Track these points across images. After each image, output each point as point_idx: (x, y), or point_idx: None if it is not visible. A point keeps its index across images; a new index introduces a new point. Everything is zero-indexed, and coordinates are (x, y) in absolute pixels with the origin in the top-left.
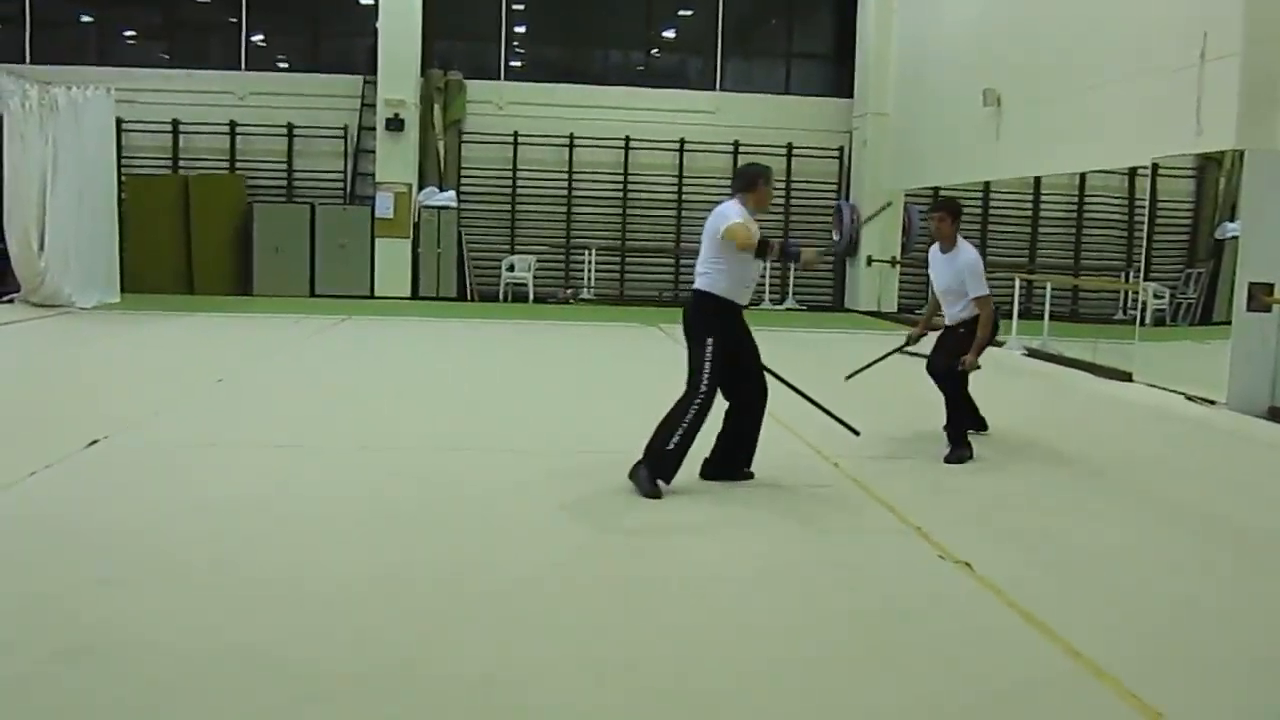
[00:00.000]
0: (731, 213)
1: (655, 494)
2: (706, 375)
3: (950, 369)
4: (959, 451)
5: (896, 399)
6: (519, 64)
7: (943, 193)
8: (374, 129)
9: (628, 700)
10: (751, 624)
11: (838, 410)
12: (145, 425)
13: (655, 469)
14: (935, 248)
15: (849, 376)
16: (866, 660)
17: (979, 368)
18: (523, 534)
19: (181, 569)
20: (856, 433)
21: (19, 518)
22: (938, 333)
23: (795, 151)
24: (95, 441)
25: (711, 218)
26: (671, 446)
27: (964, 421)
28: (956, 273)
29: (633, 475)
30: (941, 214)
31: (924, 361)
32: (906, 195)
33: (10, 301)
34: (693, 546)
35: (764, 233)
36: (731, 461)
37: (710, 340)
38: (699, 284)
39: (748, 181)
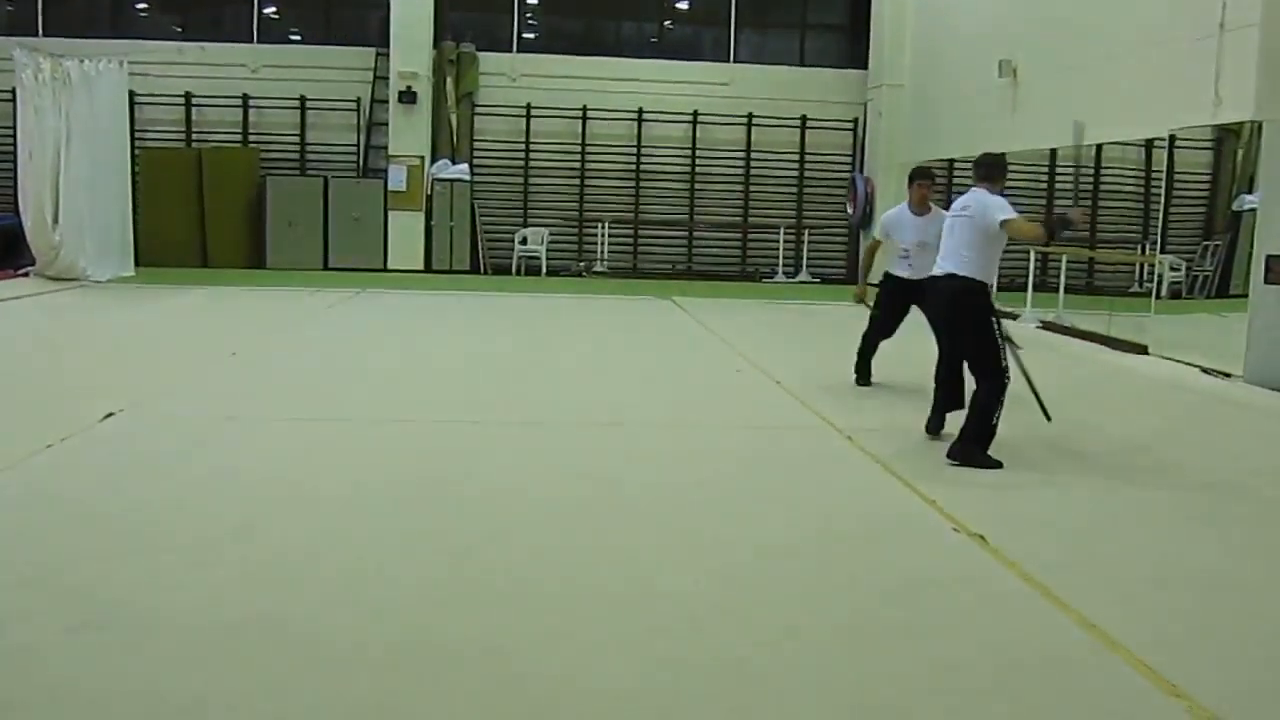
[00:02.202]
0: (1004, 204)
1: (999, 464)
2: (1003, 356)
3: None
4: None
5: (902, 371)
6: (532, 36)
7: (957, 164)
8: (386, 102)
9: (643, 669)
10: (766, 595)
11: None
12: (160, 399)
13: (984, 444)
14: (904, 211)
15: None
16: (881, 631)
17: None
18: (537, 505)
19: (195, 541)
20: (1049, 418)
21: (35, 491)
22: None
23: (809, 123)
24: (110, 415)
25: (975, 206)
26: (993, 423)
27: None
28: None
29: (963, 459)
30: (927, 181)
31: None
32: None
33: (25, 275)
34: (707, 519)
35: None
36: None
37: (993, 320)
38: (962, 270)
39: (999, 169)
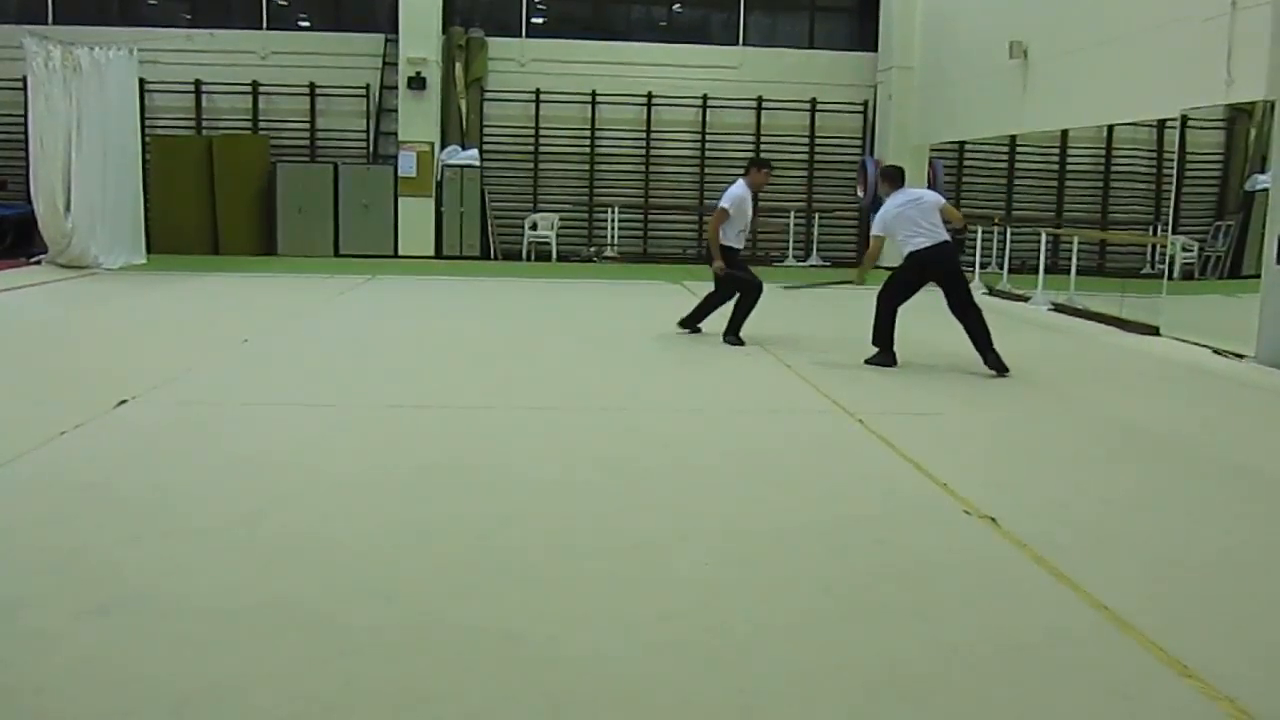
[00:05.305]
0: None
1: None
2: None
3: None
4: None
5: (912, 352)
6: (540, 20)
7: (968, 147)
8: (396, 88)
9: (657, 653)
10: (779, 578)
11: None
12: (173, 385)
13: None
14: (747, 190)
15: (788, 288)
16: (893, 613)
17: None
18: (550, 489)
19: (211, 526)
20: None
21: (50, 477)
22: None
23: (819, 106)
24: (124, 401)
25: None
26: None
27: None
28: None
29: (1000, 365)
30: (769, 169)
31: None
32: (932, 149)
33: (38, 263)
34: (719, 502)
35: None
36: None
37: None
38: (943, 235)
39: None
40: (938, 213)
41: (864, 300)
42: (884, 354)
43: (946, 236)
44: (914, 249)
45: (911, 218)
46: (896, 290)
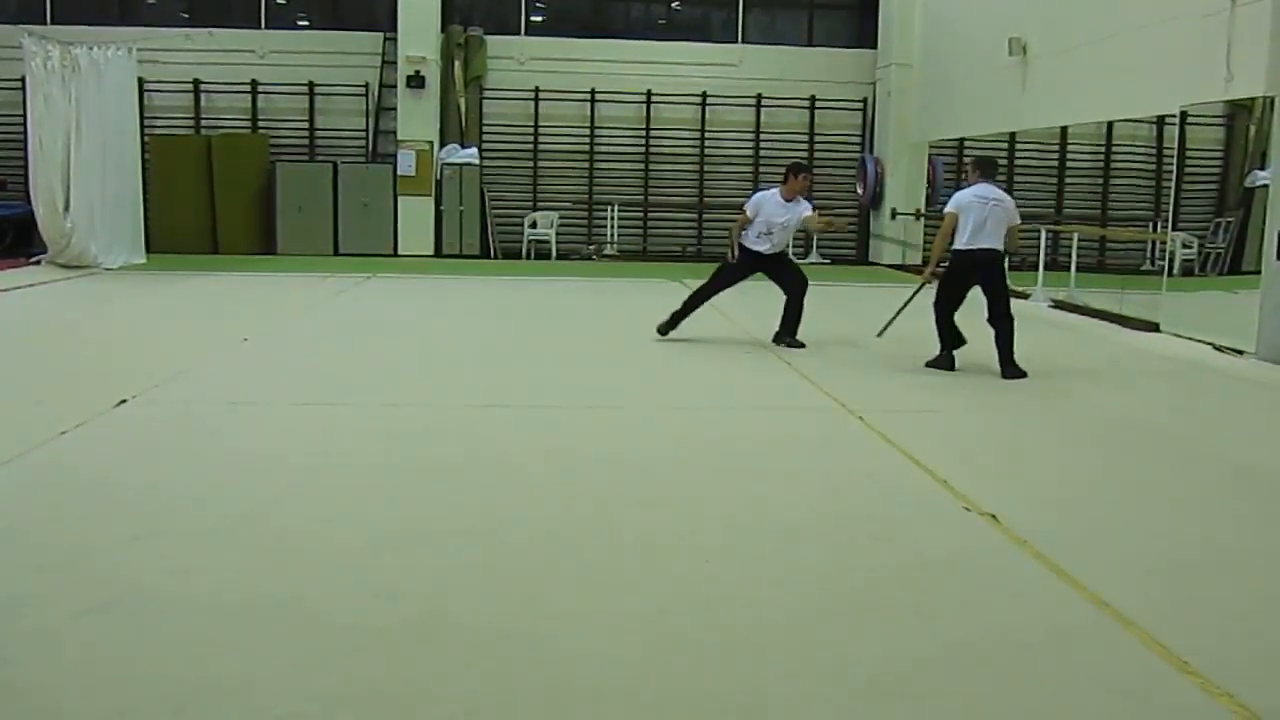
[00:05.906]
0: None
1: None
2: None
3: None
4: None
5: (912, 351)
6: (539, 19)
7: (968, 144)
8: (395, 87)
9: (657, 649)
10: (780, 575)
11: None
12: (173, 384)
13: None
14: (777, 195)
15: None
16: (893, 611)
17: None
18: (550, 488)
19: (212, 524)
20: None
21: (51, 476)
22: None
23: (818, 104)
24: (124, 401)
25: (1006, 200)
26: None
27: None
28: (797, 216)
29: (1017, 374)
30: (806, 175)
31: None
32: (931, 146)
33: (37, 263)
34: (719, 500)
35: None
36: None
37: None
38: (999, 245)
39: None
40: (1004, 226)
41: (866, 298)
42: (941, 356)
43: (997, 246)
44: (960, 247)
45: (979, 214)
46: (946, 296)
